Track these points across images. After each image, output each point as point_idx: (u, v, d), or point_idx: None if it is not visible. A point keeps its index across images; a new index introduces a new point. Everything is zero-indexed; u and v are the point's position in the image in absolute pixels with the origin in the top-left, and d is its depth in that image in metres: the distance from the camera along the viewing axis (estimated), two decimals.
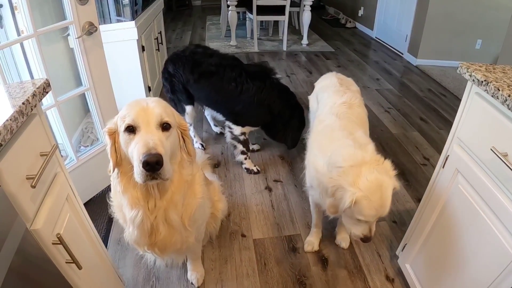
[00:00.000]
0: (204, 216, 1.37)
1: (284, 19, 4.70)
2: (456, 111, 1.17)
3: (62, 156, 1.78)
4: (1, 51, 1.68)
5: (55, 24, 1.65)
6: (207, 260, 1.71)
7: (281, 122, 2.25)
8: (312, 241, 1.77)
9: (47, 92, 0.97)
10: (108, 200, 1.20)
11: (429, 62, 4.34)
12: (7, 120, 0.75)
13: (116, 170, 1.03)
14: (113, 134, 1.01)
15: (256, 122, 2.29)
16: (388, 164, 1.24)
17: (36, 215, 0.87)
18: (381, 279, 1.62)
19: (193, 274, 1.59)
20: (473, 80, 1.04)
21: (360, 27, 6.12)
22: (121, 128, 0.97)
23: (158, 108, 0.98)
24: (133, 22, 2.53)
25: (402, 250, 1.57)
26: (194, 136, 2.61)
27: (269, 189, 2.22)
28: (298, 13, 5.62)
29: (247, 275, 1.64)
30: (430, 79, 4.00)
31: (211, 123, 2.84)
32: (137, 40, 2.60)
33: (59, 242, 0.90)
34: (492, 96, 0.95)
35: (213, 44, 4.95)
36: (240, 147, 2.31)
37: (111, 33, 2.41)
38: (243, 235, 1.86)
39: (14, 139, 0.81)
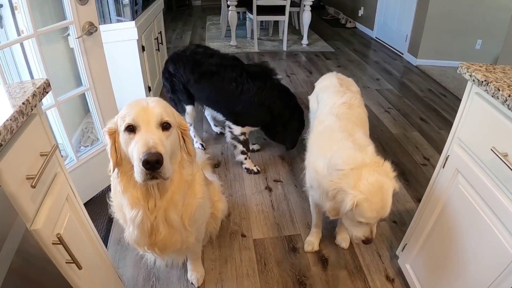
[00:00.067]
0: (204, 216, 1.37)
1: (284, 19, 4.70)
2: (456, 111, 1.17)
3: (62, 156, 1.78)
4: (1, 51, 1.68)
5: (55, 24, 1.65)
6: (207, 260, 1.71)
7: (281, 123, 2.25)
8: (312, 241, 1.77)
9: (47, 92, 0.97)
10: (108, 200, 1.20)
11: (429, 62, 4.34)
12: (7, 120, 0.75)
13: (116, 170, 1.03)
14: (113, 134, 1.01)
15: (256, 122, 2.29)
16: (388, 165, 1.24)
17: (36, 215, 0.87)
18: (381, 279, 1.62)
19: (193, 274, 1.59)
20: (473, 80, 1.04)
21: (360, 27, 6.12)
22: (121, 128, 0.97)
23: (158, 107, 0.98)
24: (133, 22, 2.53)
25: (402, 250, 1.57)
26: (194, 136, 2.61)
27: (269, 189, 2.22)
28: (298, 13, 5.62)
29: (247, 275, 1.64)
30: (430, 79, 4.00)
31: (211, 123, 2.84)
32: (137, 40, 2.60)
33: (59, 242, 0.90)
34: (492, 96, 0.95)
35: (213, 44, 4.95)
36: (240, 147, 2.31)
37: (111, 33, 2.41)
38: (243, 235, 1.86)
39: (14, 139, 0.81)
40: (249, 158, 2.37)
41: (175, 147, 1.04)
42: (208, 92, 2.25)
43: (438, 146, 2.66)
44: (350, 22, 6.34)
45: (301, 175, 1.87)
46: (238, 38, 5.16)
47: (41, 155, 0.92)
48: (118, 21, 2.55)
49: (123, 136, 0.97)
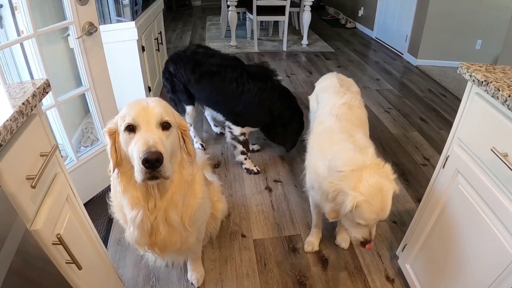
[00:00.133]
0: (204, 216, 1.37)
1: (284, 19, 4.70)
2: (456, 111, 1.17)
3: (62, 156, 1.78)
4: (1, 51, 1.68)
5: (55, 24, 1.65)
6: (207, 260, 1.71)
7: (281, 124, 2.25)
8: (312, 242, 1.77)
9: (47, 92, 0.97)
10: (108, 201, 1.20)
11: (429, 62, 4.34)
12: (7, 121, 0.75)
13: (116, 170, 1.03)
14: (113, 134, 1.01)
15: (256, 123, 2.29)
16: (388, 167, 1.24)
17: (36, 215, 0.87)
18: (381, 280, 1.62)
19: (193, 274, 1.59)
20: (473, 81, 1.04)
21: (360, 27, 6.12)
22: (121, 128, 0.97)
23: (158, 107, 0.98)
24: (133, 22, 2.53)
25: (402, 251, 1.57)
26: (194, 137, 2.61)
27: (269, 189, 2.22)
28: (298, 13, 5.63)
29: (247, 276, 1.64)
30: (430, 79, 4.00)
31: (211, 123, 2.84)
32: (137, 40, 2.60)
33: (59, 242, 0.90)
34: (492, 96, 0.95)
35: (213, 44, 4.95)
36: (240, 148, 2.31)
37: (111, 33, 2.41)
38: (243, 236, 1.86)
39: (14, 139, 0.81)
40: (249, 158, 2.37)
41: (175, 147, 1.04)
42: (208, 92, 2.25)
43: (438, 146, 2.66)
44: (350, 22, 6.34)
45: (301, 176, 1.87)
46: (238, 38, 5.16)
47: (41, 155, 0.92)
48: (118, 21, 2.55)
49: (123, 136, 0.97)
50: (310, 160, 1.49)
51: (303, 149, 1.74)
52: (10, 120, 0.76)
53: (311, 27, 5.36)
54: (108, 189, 1.27)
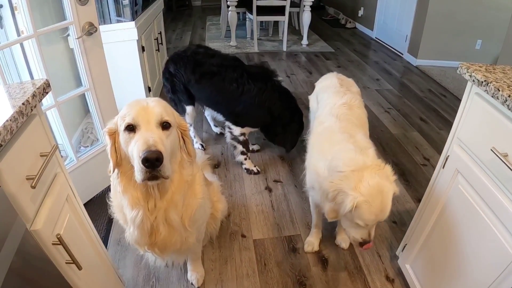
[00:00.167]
0: (204, 216, 1.37)
1: (284, 19, 4.70)
2: (456, 112, 1.17)
3: (62, 156, 1.79)
4: (1, 52, 1.68)
5: (55, 24, 1.65)
6: (207, 261, 1.71)
7: (281, 125, 2.26)
8: (312, 242, 1.77)
9: (47, 93, 0.97)
10: (108, 201, 1.20)
11: (429, 63, 4.34)
12: (7, 121, 0.75)
13: (116, 170, 1.03)
14: (113, 134, 1.01)
15: (255, 123, 2.29)
16: (388, 169, 1.24)
17: (36, 215, 0.87)
18: (381, 280, 1.62)
19: (193, 275, 1.59)
20: (473, 81, 1.04)
21: (360, 27, 6.12)
22: (121, 128, 0.97)
23: (158, 107, 0.98)
24: (133, 22, 2.53)
25: (402, 251, 1.57)
26: (194, 137, 2.61)
27: (269, 189, 2.22)
28: (298, 13, 5.63)
29: (247, 276, 1.64)
30: (430, 79, 4.00)
31: (211, 124, 2.84)
32: (137, 40, 2.60)
33: (59, 242, 0.90)
34: (492, 96, 0.95)
35: (213, 45, 4.95)
36: (240, 148, 2.31)
37: (111, 34, 2.41)
38: (243, 236, 1.86)
39: (14, 140, 0.81)
40: (249, 158, 2.37)
41: (175, 147, 1.04)
42: (208, 92, 2.25)
43: (438, 146, 2.66)
44: (350, 22, 6.34)
45: (301, 176, 1.87)
46: (238, 38, 5.16)
47: (41, 156, 0.92)
48: (118, 21, 2.55)
49: (123, 136, 0.97)
50: (311, 160, 1.49)
51: (303, 149, 1.74)
52: (10, 120, 0.76)
53: (311, 27, 5.36)
54: (108, 189, 1.27)
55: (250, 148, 2.49)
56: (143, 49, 2.77)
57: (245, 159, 2.35)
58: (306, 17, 4.84)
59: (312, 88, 2.11)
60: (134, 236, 1.11)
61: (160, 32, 3.58)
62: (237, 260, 1.72)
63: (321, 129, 1.52)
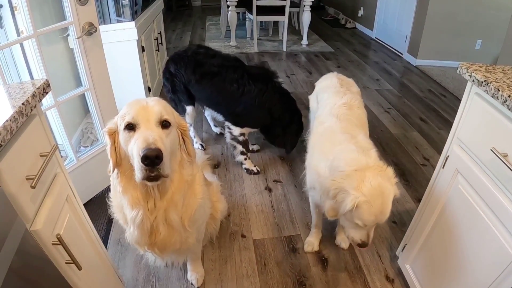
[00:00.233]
0: (204, 216, 1.37)
1: (284, 19, 4.70)
2: (456, 112, 1.17)
3: (62, 156, 1.79)
4: (1, 52, 1.68)
5: (55, 24, 1.65)
6: (207, 261, 1.71)
7: (280, 126, 2.26)
8: (312, 242, 1.77)
9: (47, 93, 0.97)
10: (107, 201, 1.20)
11: (429, 63, 4.34)
12: (7, 121, 0.75)
13: (116, 170, 1.03)
14: (113, 134, 1.02)
15: (255, 124, 2.29)
16: (390, 171, 1.24)
17: (36, 215, 0.87)
18: (381, 280, 1.62)
19: (193, 275, 1.59)
20: (473, 81, 1.04)
21: (360, 27, 6.12)
22: (121, 127, 0.97)
23: (158, 106, 0.98)
24: (133, 22, 2.53)
25: (402, 251, 1.57)
26: (194, 137, 2.61)
27: (269, 189, 2.22)
28: (298, 13, 5.63)
29: (247, 276, 1.64)
30: (430, 80, 4.00)
31: (211, 124, 2.84)
32: (137, 40, 2.60)
33: (59, 242, 0.90)
34: (492, 96, 0.95)
35: (213, 45, 4.95)
36: (240, 148, 2.31)
37: (111, 34, 2.41)
38: (243, 236, 1.86)
39: (14, 140, 0.81)
40: (249, 158, 2.37)
41: (175, 146, 1.04)
42: (209, 92, 2.25)
43: (438, 146, 2.66)
44: (350, 22, 6.34)
45: (301, 176, 1.87)
46: (238, 38, 5.16)
47: (41, 156, 0.92)
48: (118, 21, 2.55)
49: (123, 135, 0.97)
50: (311, 161, 1.49)
51: (303, 150, 1.74)
52: (10, 120, 0.76)
53: (311, 27, 5.36)
54: (108, 189, 1.27)
55: (250, 148, 2.49)
56: (143, 49, 2.77)
57: (245, 159, 2.35)
58: (306, 17, 4.84)
59: (312, 88, 2.11)
60: (134, 236, 1.11)
61: (160, 32, 3.58)
62: (237, 260, 1.72)
63: (321, 129, 1.52)
